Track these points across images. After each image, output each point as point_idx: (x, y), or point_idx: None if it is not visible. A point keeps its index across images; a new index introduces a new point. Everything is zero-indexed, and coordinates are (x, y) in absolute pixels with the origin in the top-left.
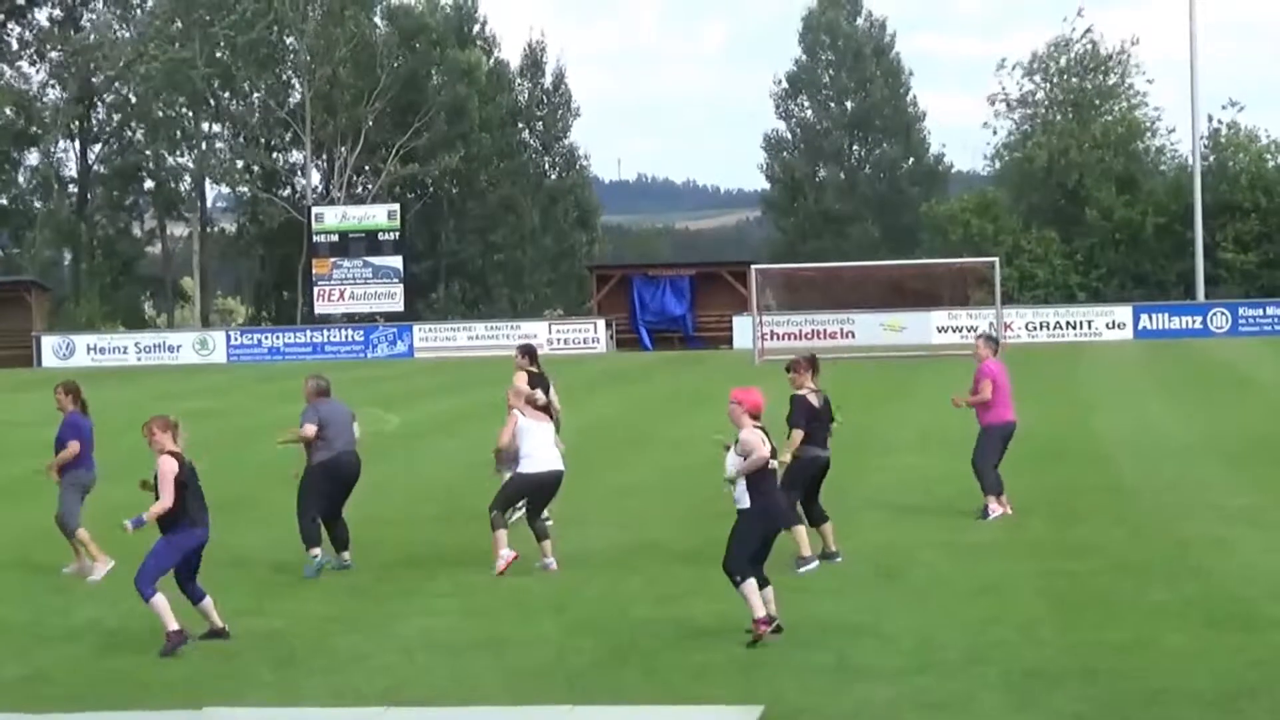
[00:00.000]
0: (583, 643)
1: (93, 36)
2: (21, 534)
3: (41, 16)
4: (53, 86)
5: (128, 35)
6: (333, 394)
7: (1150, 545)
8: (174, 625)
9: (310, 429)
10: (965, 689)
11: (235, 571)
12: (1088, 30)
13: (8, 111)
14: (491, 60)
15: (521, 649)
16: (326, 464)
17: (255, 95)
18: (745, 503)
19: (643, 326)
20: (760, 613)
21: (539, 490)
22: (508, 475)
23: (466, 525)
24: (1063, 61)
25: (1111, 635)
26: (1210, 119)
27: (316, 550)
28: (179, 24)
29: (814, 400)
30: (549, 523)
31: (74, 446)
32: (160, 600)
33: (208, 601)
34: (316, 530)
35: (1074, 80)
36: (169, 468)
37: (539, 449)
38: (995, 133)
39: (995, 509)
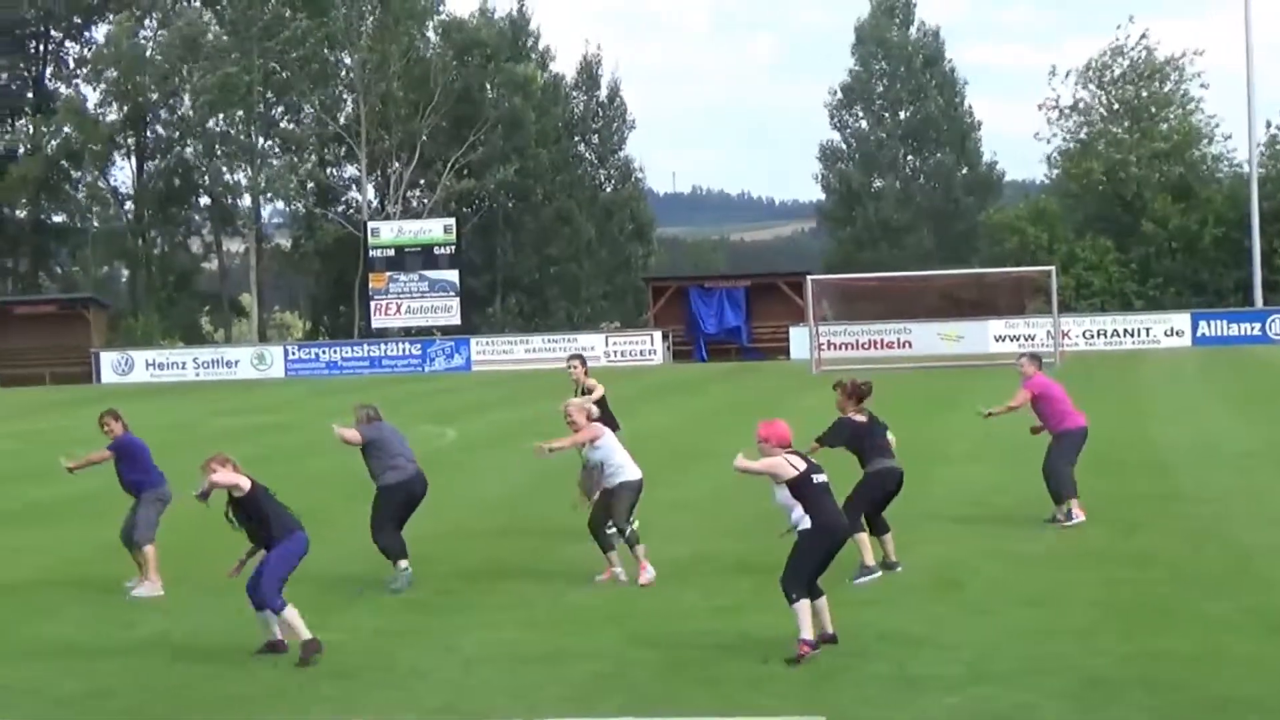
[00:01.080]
0: (642, 655)
1: (148, 52)
2: (83, 550)
3: (98, 34)
4: (109, 103)
5: (175, 52)
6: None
7: (1210, 554)
8: (307, 634)
9: (354, 434)
10: (1026, 699)
11: (293, 585)
12: (1142, 37)
13: (66, 129)
14: (546, 74)
15: (580, 662)
16: (402, 484)
17: (309, 110)
18: (806, 523)
19: (701, 339)
20: (808, 634)
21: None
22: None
23: (524, 538)
24: (1117, 70)
25: (1172, 645)
26: (1269, 125)
27: (404, 561)
28: (229, 38)
29: (859, 417)
30: (611, 533)
31: (105, 454)
32: (292, 611)
33: (270, 613)
34: (400, 543)
35: (1129, 89)
36: (234, 478)
37: (627, 458)
38: (1048, 142)
39: (1078, 514)
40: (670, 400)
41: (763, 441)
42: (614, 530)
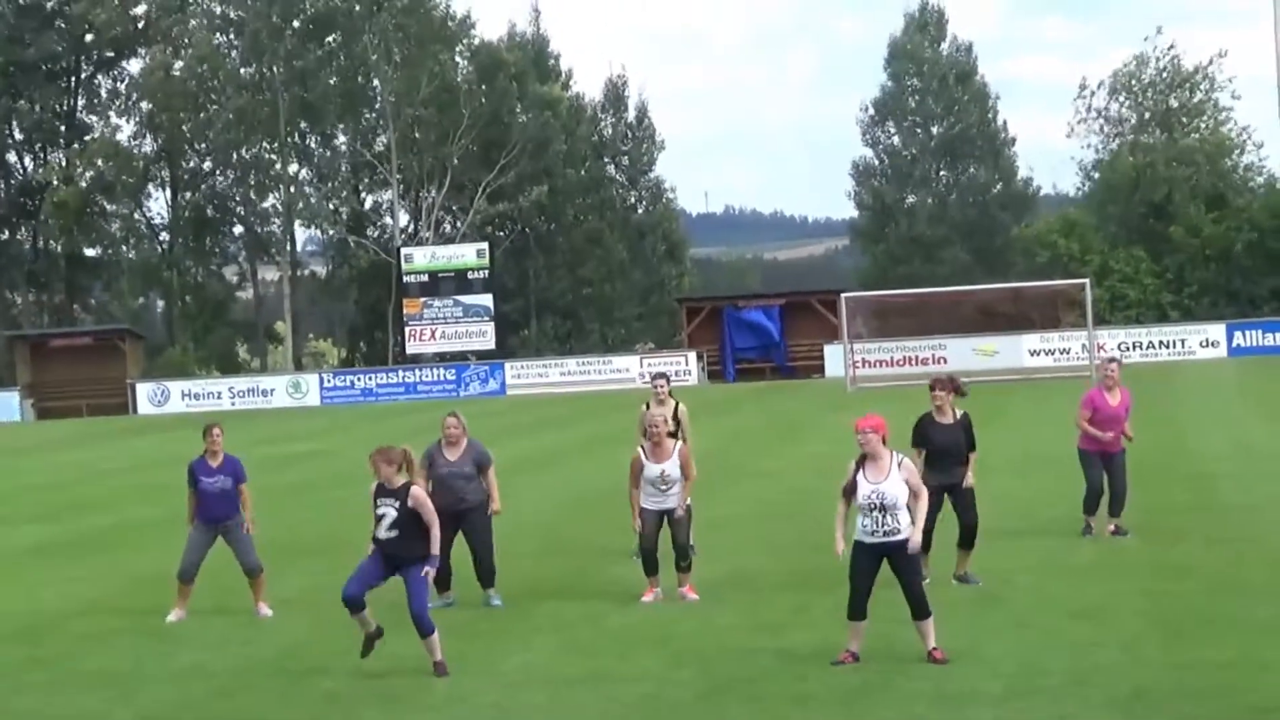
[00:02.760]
0: (683, 675)
1: (181, 84)
2: (123, 581)
3: (131, 67)
4: (142, 135)
5: (204, 81)
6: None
7: (1252, 563)
8: (440, 656)
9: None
10: (1069, 712)
11: (337, 612)
12: (1170, 46)
13: (99, 162)
14: (572, 95)
15: (622, 683)
16: None
17: (341, 138)
18: (912, 533)
19: (730, 358)
20: (934, 642)
21: None
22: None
23: (562, 561)
24: (1145, 78)
25: (1216, 654)
26: None
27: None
28: (250, 69)
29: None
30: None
31: (246, 490)
32: (436, 635)
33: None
34: None
35: (1159, 97)
36: (425, 496)
37: None
38: (1083, 148)
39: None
40: (707, 420)
41: (874, 432)
42: (693, 553)
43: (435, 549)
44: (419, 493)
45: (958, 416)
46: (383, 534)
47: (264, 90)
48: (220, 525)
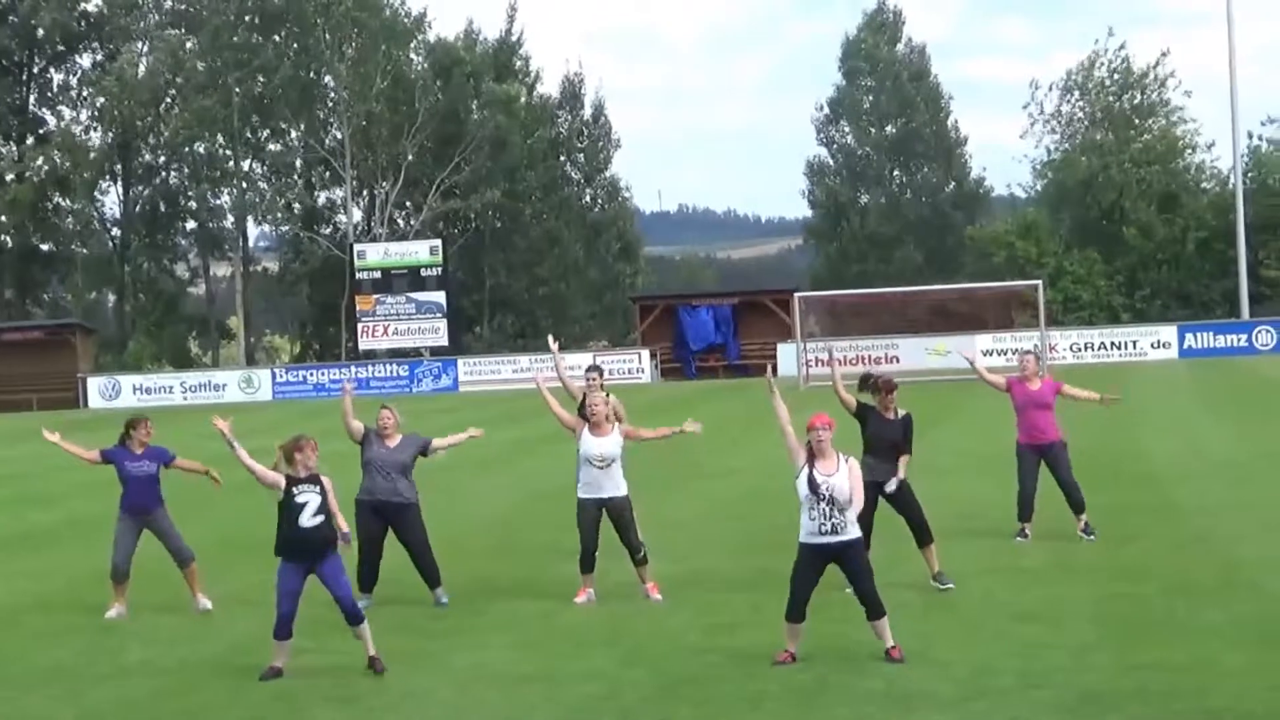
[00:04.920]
0: (636, 674)
1: (130, 74)
2: (73, 576)
3: (85, 61)
4: (94, 129)
5: (162, 78)
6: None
7: (1203, 565)
8: (373, 650)
9: None
10: (1019, 714)
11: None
12: (1120, 47)
13: (55, 156)
14: (530, 94)
15: (575, 682)
16: None
17: (294, 134)
18: (858, 530)
19: (690, 355)
20: (891, 640)
21: None
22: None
23: (515, 559)
24: (1097, 77)
25: (1166, 656)
26: (1250, 136)
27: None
28: (206, 63)
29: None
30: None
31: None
32: (367, 624)
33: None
34: None
35: (1110, 99)
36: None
37: None
38: (1035, 145)
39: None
40: (660, 418)
41: (827, 430)
42: (643, 550)
43: (345, 525)
44: (327, 480)
45: (899, 416)
46: (307, 521)
47: (217, 85)
48: (145, 516)
